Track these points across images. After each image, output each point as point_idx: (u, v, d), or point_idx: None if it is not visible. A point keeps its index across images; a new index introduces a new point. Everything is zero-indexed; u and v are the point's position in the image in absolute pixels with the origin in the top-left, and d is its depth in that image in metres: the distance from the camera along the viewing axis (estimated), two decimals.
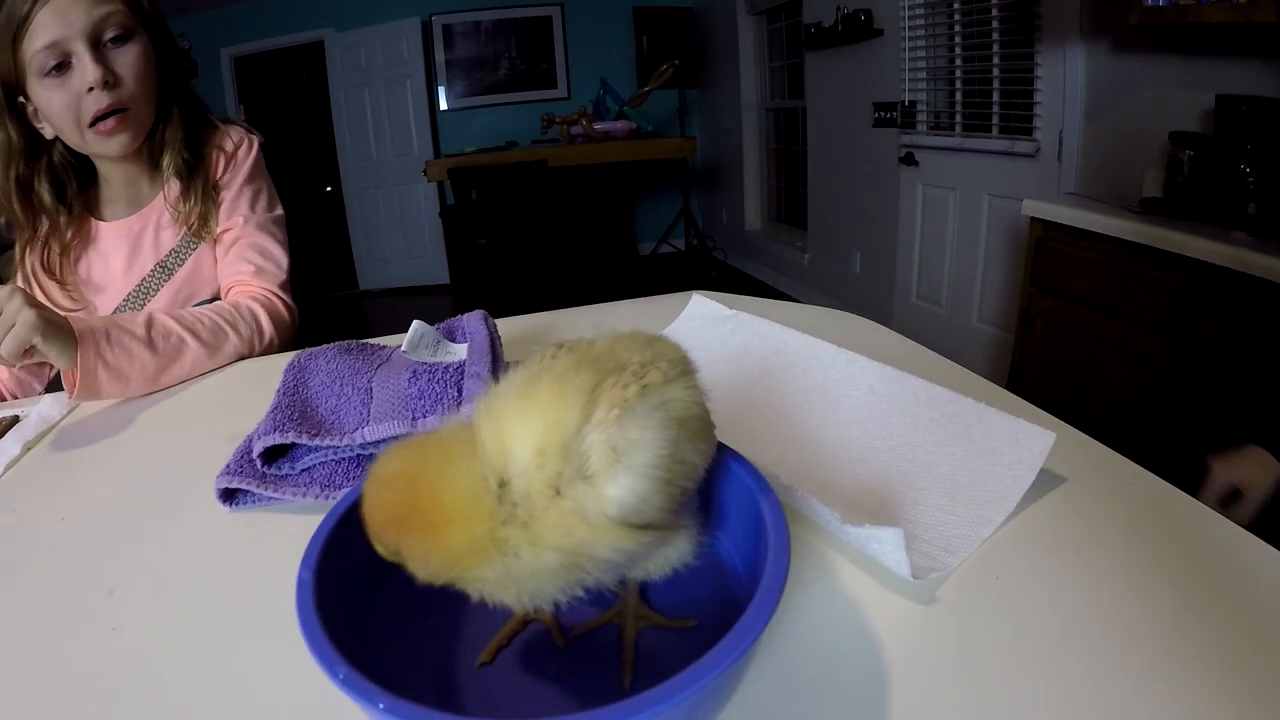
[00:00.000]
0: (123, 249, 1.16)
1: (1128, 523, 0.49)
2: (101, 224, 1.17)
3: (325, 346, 0.75)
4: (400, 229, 5.68)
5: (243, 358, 1.02)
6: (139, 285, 1.15)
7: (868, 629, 0.41)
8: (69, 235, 1.15)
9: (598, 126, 5.00)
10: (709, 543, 0.36)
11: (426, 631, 0.42)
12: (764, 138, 5.32)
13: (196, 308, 1.01)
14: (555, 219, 4.86)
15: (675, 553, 0.37)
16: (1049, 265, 2.23)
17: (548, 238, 4.81)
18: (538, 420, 0.31)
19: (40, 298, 1.07)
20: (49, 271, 1.14)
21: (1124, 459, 0.56)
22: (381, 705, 0.27)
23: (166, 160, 1.15)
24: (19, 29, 1.02)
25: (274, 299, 1.11)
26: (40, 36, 1.01)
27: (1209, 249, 1.68)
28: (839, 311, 0.91)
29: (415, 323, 0.72)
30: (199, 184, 1.14)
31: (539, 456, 0.31)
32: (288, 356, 0.75)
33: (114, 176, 1.17)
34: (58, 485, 0.71)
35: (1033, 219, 2.29)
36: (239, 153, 1.20)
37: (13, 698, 0.42)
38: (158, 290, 1.15)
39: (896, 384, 0.61)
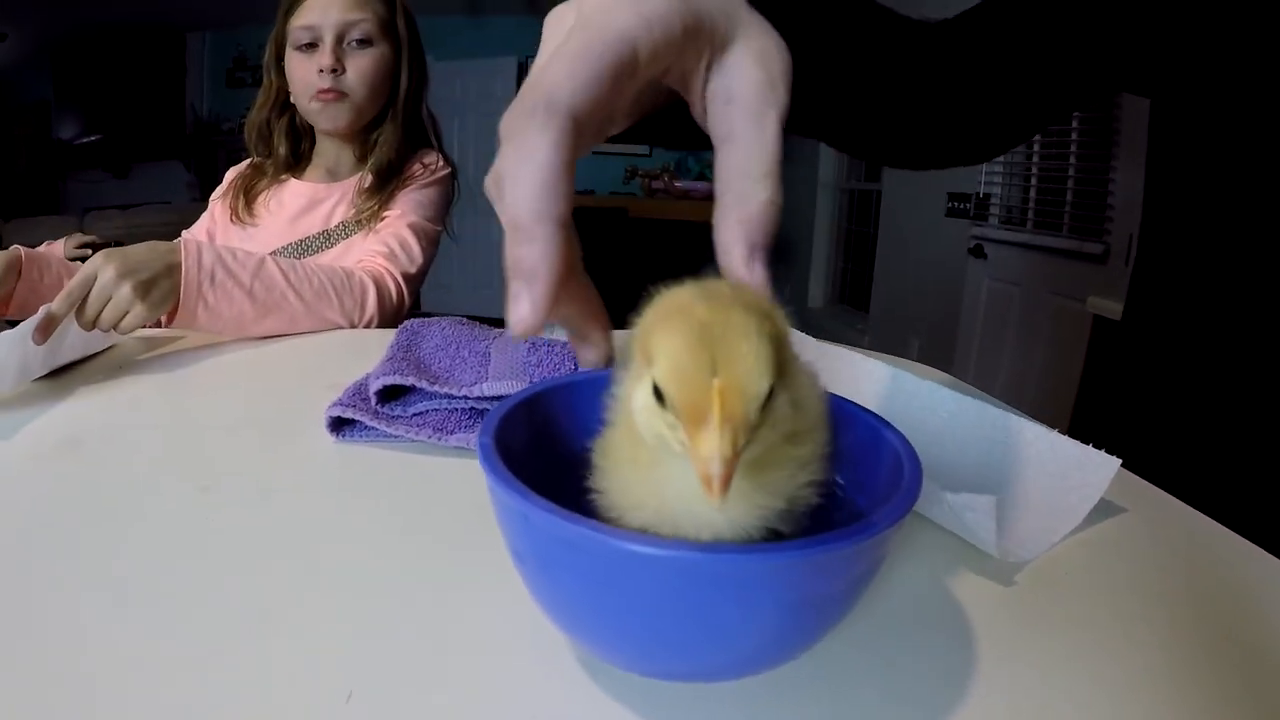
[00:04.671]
0: (298, 206, 1.37)
1: (1181, 552, 0.51)
2: (294, 180, 1.40)
3: (438, 318, 0.80)
4: (470, 258, 5.78)
5: (340, 327, 1.07)
6: (293, 244, 1.32)
7: (951, 598, 0.43)
8: (271, 181, 1.40)
9: (678, 184, 5.10)
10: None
11: None
12: (836, 218, 5.36)
13: (315, 264, 1.08)
14: (628, 267, 4.93)
15: None
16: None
17: (619, 285, 4.87)
18: None
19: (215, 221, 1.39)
20: (233, 210, 1.38)
21: (1176, 499, 0.59)
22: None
23: (373, 157, 1.36)
24: (292, 5, 1.33)
25: (388, 278, 1.18)
26: (303, 18, 1.31)
27: None
28: (910, 361, 0.94)
29: None
30: (390, 188, 1.30)
31: None
32: (390, 333, 0.77)
33: (326, 149, 1.42)
34: (151, 398, 0.75)
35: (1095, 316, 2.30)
36: (430, 170, 1.40)
37: (103, 572, 0.43)
38: (304, 255, 1.26)
39: (975, 412, 0.64)
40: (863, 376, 0.75)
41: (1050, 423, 0.57)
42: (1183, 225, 0.76)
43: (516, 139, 0.29)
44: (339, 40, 1.30)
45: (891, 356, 0.90)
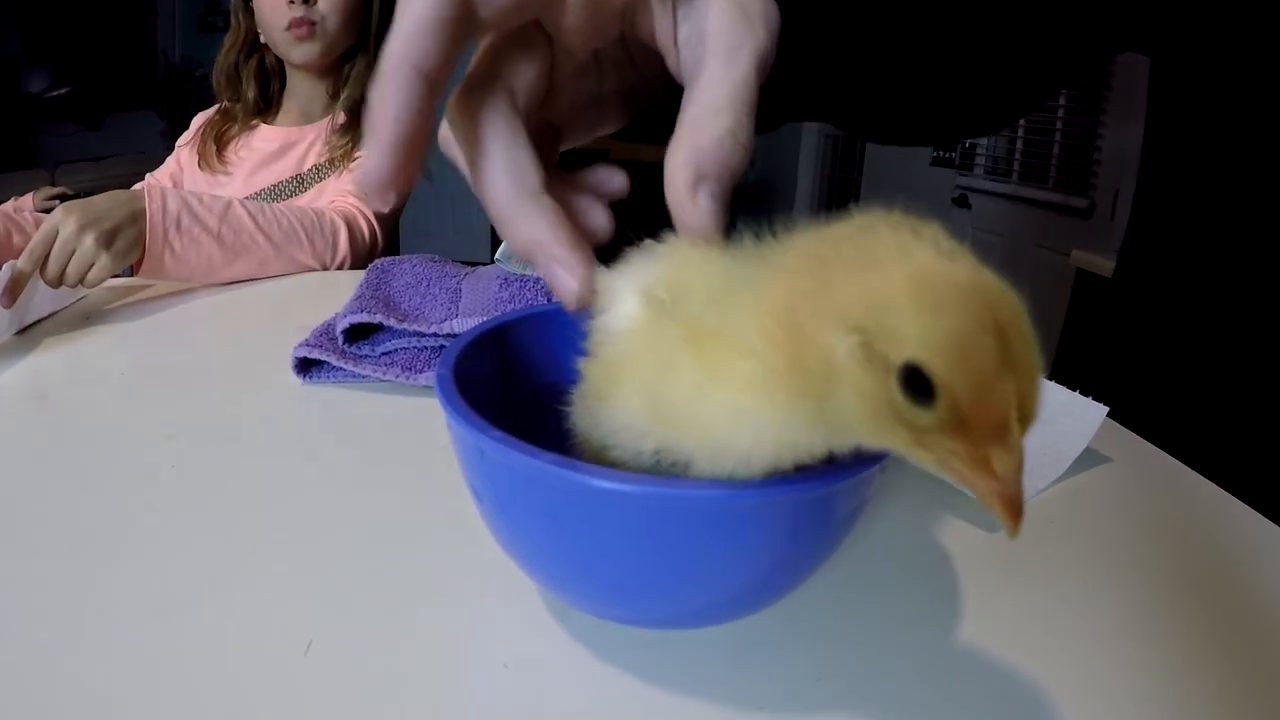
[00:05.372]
0: (270, 150, 1.33)
1: (1165, 503, 0.51)
2: (265, 125, 1.35)
3: (410, 255, 0.78)
4: (449, 205, 5.71)
5: (311, 269, 1.05)
6: (266, 190, 1.29)
7: (935, 544, 0.42)
8: (241, 127, 1.35)
9: None
10: None
11: None
12: (821, 164, 5.33)
13: (284, 207, 1.05)
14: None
15: None
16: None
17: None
18: None
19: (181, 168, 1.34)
20: (202, 158, 1.33)
21: (1161, 451, 0.58)
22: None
23: (345, 92, 1.32)
24: None
25: (360, 217, 1.16)
26: None
27: None
28: None
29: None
30: (364, 126, 1.25)
31: None
32: (362, 273, 0.75)
33: (298, 88, 1.37)
34: (117, 347, 0.73)
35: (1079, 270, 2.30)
36: None
37: (69, 524, 0.42)
38: (276, 201, 1.23)
39: None
40: None
41: None
42: (1181, 185, 0.74)
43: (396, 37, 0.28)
44: None
45: None
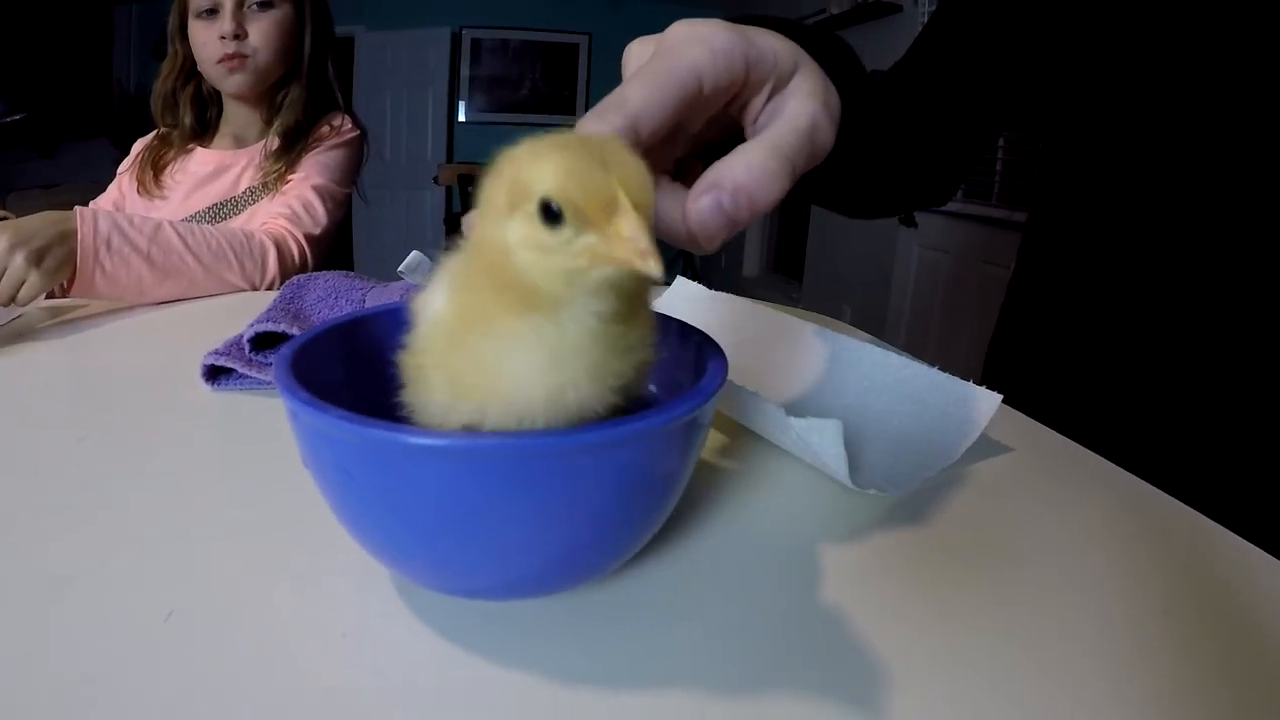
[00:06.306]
0: (205, 173, 1.34)
1: (1066, 486, 0.52)
2: (201, 149, 1.37)
3: (326, 272, 0.79)
4: (404, 230, 5.72)
5: (241, 290, 1.06)
6: (201, 212, 1.29)
7: (804, 530, 0.43)
8: (177, 152, 1.37)
9: None
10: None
11: None
12: None
13: (214, 228, 1.06)
14: None
15: None
16: None
17: None
18: None
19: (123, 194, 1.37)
20: (140, 183, 1.35)
21: (1065, 438, 0.60)
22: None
23: (279, 118, 1.34)
24: None
25: (290, 239, 1.17)
26: None
27: None
28: (809, 312, 0.95)
29: (414, 252, 0.75)
30: (297, 150, 1.28)
31: None
32: None
33: (234, 115, 1.39)
34: (43, 360, 0.73)
35: None
36: (338, 132, 1.38)
37: None
38: (211, 223, 1.24)
39: (855, 352, 0.64)
40: (750, 322, 0.76)
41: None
42: (1072, 197, 0.80)
43: (579, 130, 0.32)
44: (239, 5, 1.28)
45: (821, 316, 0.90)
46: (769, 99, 0.38)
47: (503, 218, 0.26)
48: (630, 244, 0.24)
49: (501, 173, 0.27)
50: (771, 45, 0.37)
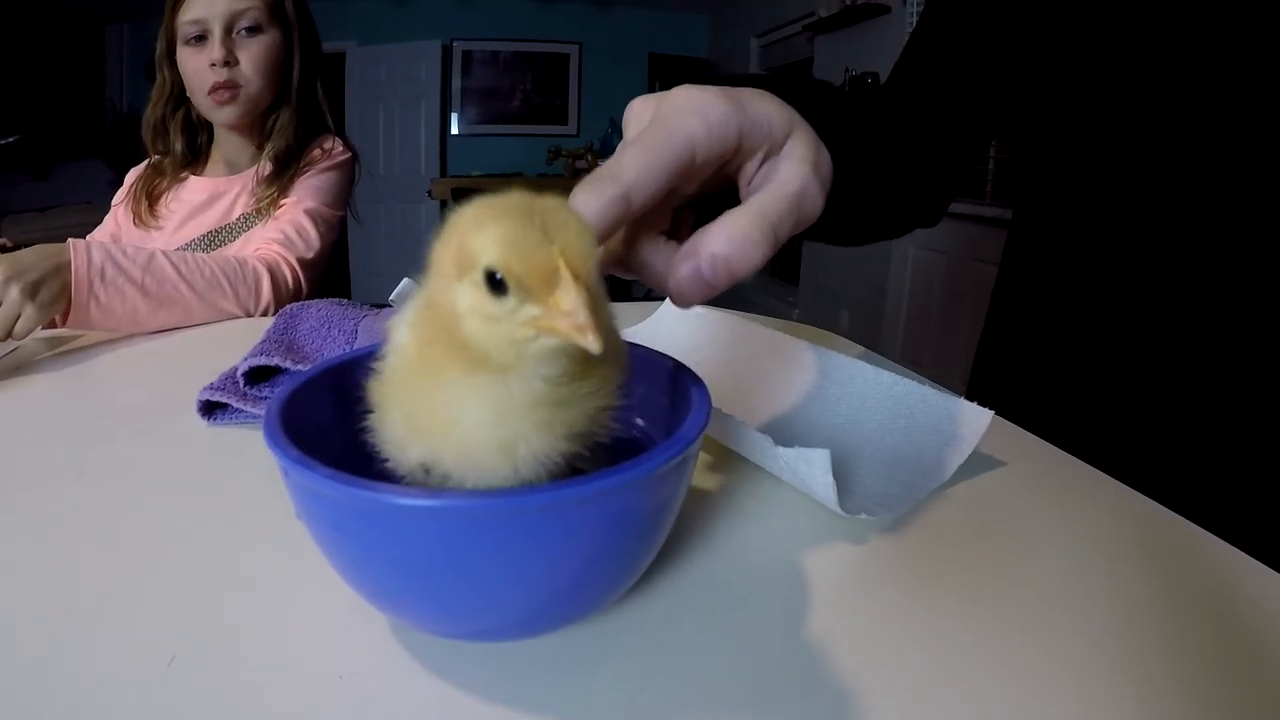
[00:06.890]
0: (199, 202, 1.34)
1: (1059, 501, 0.52)
2: (195, 177, 1.37)
3: (318, 300, 0.79)
4: (399, 245, 5.72)
5: (236, 317, 1.06)
6: (196, 240, 1.29)
7: (795, 555, 0.44)
8: (170, 180, 1.37)
9: (601, 164, 5.10)
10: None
11: None
12: None
13: (208, 256, 1.06)
14: None
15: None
16: None
17: None
18: None
19: (119, 225, 1.37)
20: (135, 214, 1.35)
21: (1059, 450, 0.60)
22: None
23: (270, 143, 1.34)
24: (177, 2, 1.29)
25: (284, 264, 1.17)
26: (190, 12, 1.27)
27: None
28: (803, 325, 0.95)
29: (405, 279, 0.75)
30: (289, 174, 1.29)
31: None
32: None
33: (226, 142, 1.39)
34: (36, 398, 0.73)
35: None
36: (329, 155, 1.37)
37: None
38: (205, 251, 1.24)
39: (848, 369, 0.64)
40: (743, 340, 0.76)
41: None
42: (1056, 202, 0.81)
43: (573, 199, 0.33)
44: (228, 31, 1.27)
45: (816, 329, 0.90)
46: (762, 163, 0.39)
47: (452, 283, 0.27)
48: (569, 318, 0.25)
49: (449, 238, 0.28)
50: (766, 112, 0.38)
